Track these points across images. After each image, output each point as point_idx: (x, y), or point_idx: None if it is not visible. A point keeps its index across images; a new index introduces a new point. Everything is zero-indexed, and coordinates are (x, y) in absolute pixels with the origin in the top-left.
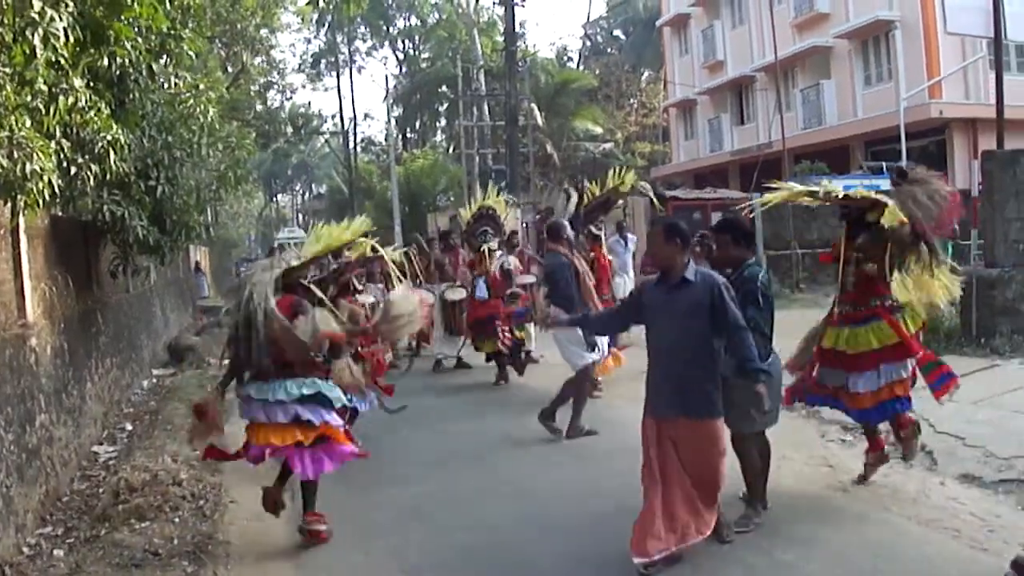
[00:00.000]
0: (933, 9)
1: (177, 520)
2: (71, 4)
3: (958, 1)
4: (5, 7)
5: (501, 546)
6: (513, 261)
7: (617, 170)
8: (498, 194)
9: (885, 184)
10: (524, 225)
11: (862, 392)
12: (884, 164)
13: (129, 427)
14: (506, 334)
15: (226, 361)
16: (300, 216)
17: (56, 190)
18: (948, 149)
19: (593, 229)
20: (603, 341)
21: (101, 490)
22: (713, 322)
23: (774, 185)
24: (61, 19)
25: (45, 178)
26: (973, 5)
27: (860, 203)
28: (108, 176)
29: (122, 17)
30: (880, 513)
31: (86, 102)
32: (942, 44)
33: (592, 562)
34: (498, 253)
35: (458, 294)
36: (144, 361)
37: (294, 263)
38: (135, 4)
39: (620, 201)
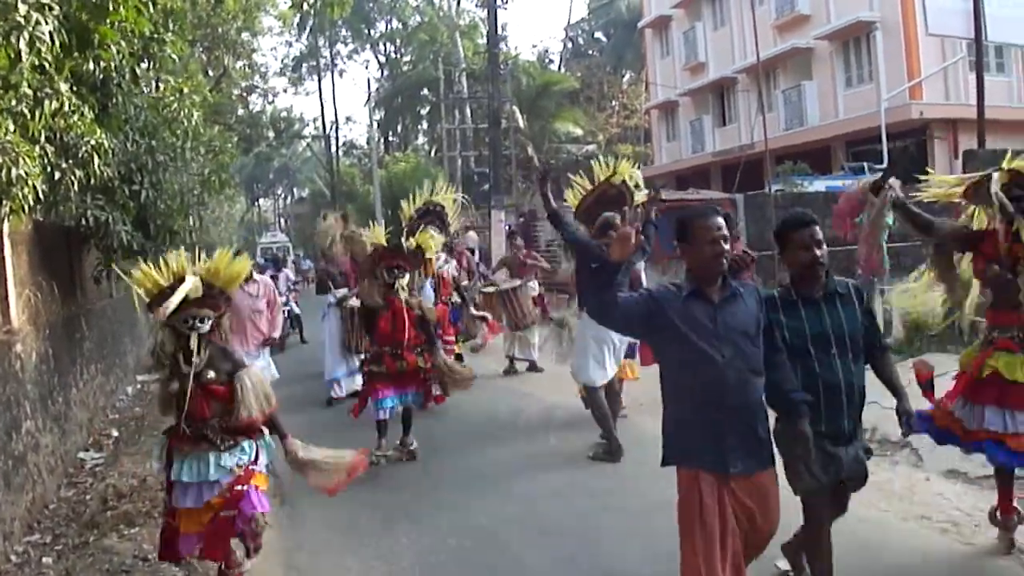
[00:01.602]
0: (913, 11)
1: None
2: (56, 7)
3: (940, 3)
4: None
5: (492, 547)
6: (451, 267)
7: (605, 162)
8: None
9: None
10: (508, 227)
11: None
12: (866, 164)
13: (115, 433)
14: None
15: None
16: (282, 220)
17: (40, 195)
18: (928, 149)
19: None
20: (611, 354)
21: (88, 497)
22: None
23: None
24: (47, 23)
25: (30, 183)
26: (954, 7)
27: None
28: (92, 181)
29: (107, 21)
30: (867, 510)
31: (70, 106)
32: (922, 45)
33: (584, 563)
34: (441, 257)
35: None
36: (129, 367)
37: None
38: (120, 8)
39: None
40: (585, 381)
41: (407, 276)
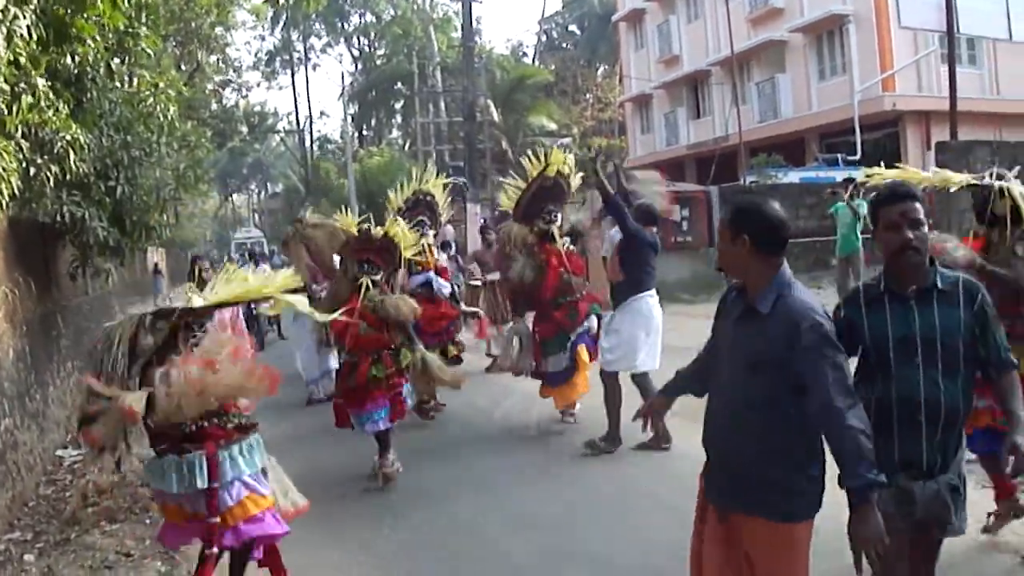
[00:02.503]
0: (886, 3)
1: (148, 521)
2: (34, 1)
3: None
4: None
5: (475, 540)
6: (444, 259)
7: (540, 153)
8: (445, 176)
9: (840, 176)
10: (483, 221)
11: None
12: (839, 156)
13: None
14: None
15: None
16: (256, 215)
17: (15, 191)
18: (901, 141)
19: (541, 224)
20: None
21: (68, 494)
22: (791, 381)
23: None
24: (25, 17)
25: (6, 179)
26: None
27: None
28: (67, 176)
29: (83, 14)
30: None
31: (46, 101)
32: (895, 38)
33: (567, 555)
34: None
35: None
36: None
37: (178, 304)
38: (97, 1)
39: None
40: (633, 368)
41: (380, 273)
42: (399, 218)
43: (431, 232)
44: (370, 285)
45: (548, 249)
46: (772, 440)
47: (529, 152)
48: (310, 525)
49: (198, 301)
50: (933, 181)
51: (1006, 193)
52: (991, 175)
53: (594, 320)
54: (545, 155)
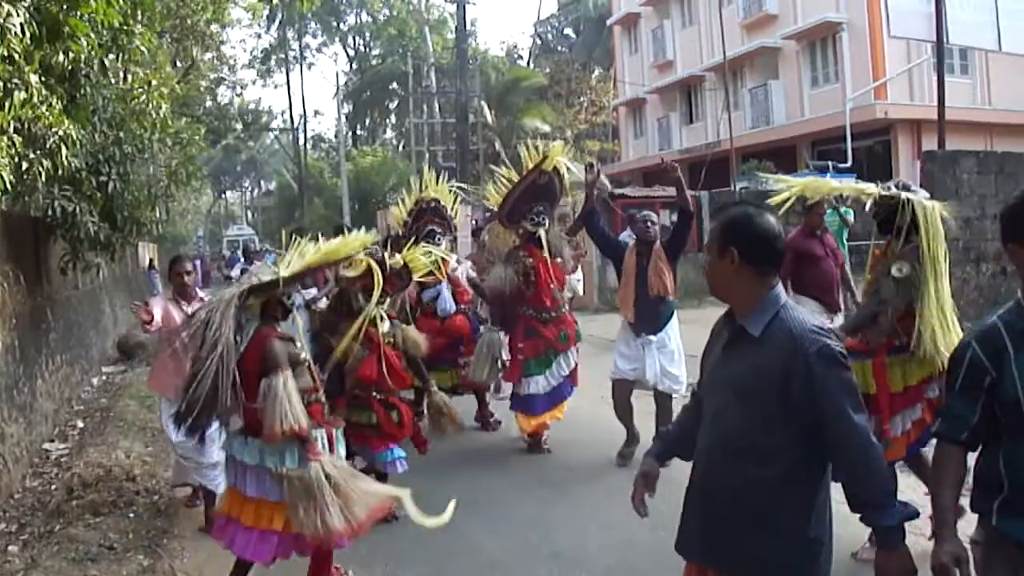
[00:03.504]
0: (879, 12)
1: (132, 515)
2: None
3: (902, 5)
4: None
5: (449, 533)
6: (466, 268)
7: (535, 146)
8: (446, 181)
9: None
10: (475, 223)
11: (900, 435)
12: (830, 163)
13: (80, 424)
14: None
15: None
16: (249, 213)
17: (7, 186)
18: (893, 149)
19: (528, 226)
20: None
21: (54, 487)
22: (792, 419)
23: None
24: (18, 14)
25: None
26: (917, 9)
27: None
28: (59, 171)
29: (78, 12)
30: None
31: (38, 97)
32: (888, 46)
33: (544, 551)
34: (453, 259)
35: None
36: (94, 359)
37: (267, 277)
38: None
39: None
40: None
41: (387, 301)
42: (407, 237)
43: (446, 239)
44: (383, 317)
45: (534, 254)
46: (761, 492)
47: (528, 143)
48: None
49: (287, 271)
50: (850, 191)
51: (906, 206)
52: (898, 186)
53: (574, 351)
54: (544, 148)
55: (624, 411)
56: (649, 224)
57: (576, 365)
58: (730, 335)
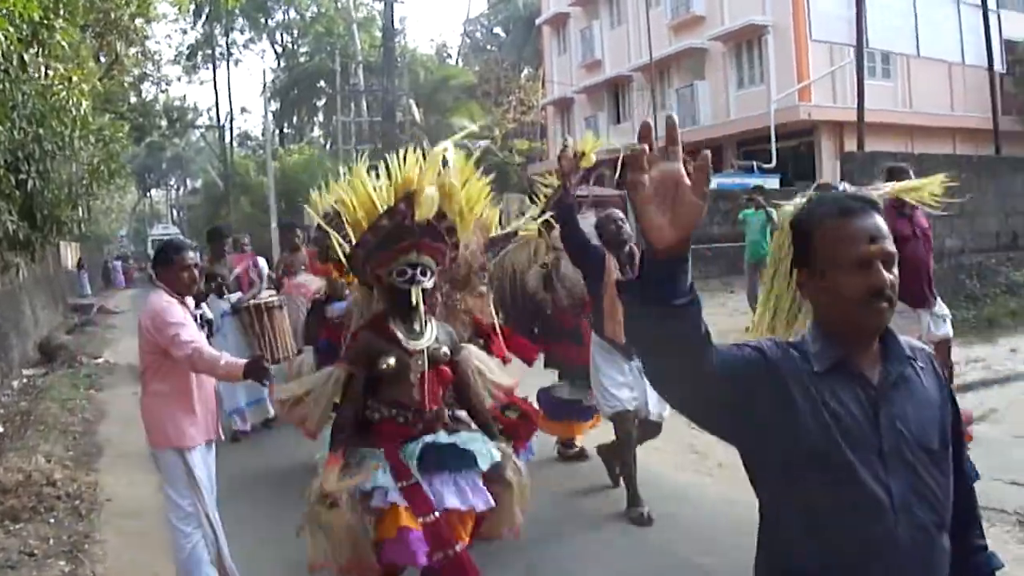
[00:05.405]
0: (804, 16)
1: (52, 520)
2: None
3: (825, 9)
4: None
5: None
6: None
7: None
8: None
9: (755, 182)
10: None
11: None
12: (755, 163)
13: (0, 428)
14: None
15: None
16: (174, 211)
17: None
18: (816, 150)
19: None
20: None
21: None
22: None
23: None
24: None
25: None
26: (838, 14)
27: None
28: None
29: None
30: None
31: None
32: (812, 49)
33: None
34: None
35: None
36: (14, 361)
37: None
38: None
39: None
40: (610, 410)
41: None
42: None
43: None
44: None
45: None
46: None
47: (567, 137)
48: (251, 518)
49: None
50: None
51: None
52: (819, 187)
53: None
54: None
55: (630, 456)
56: (619, 224)
57: None
58: (885, 377)
